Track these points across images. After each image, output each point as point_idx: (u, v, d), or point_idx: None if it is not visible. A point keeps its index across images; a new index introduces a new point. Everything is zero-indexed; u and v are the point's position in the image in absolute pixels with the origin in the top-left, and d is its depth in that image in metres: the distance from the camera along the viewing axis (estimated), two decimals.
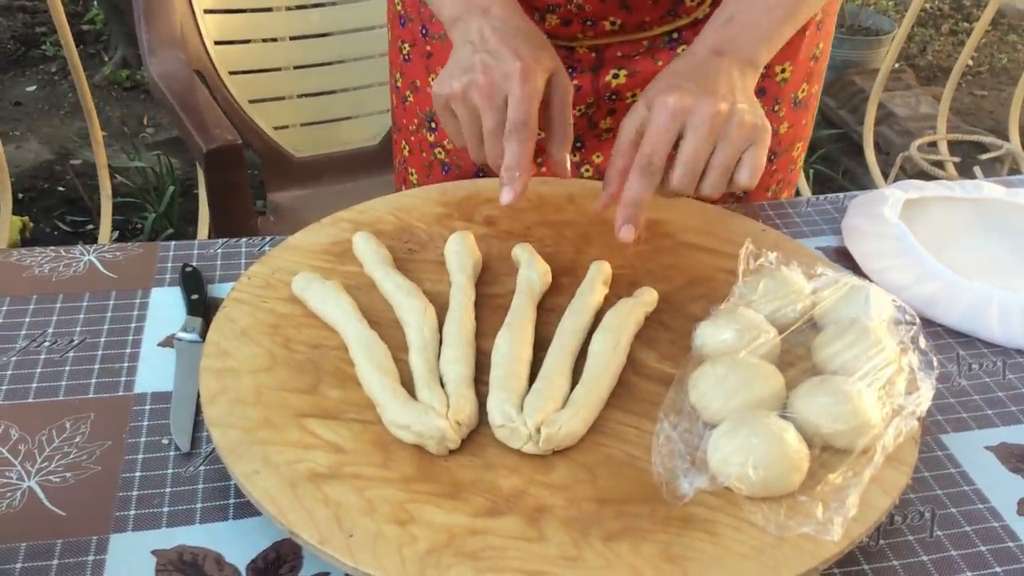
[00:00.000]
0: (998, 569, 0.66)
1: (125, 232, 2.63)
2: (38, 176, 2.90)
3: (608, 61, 1.01)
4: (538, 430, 0.67)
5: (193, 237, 2.24)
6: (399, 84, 1.15)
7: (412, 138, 1.14)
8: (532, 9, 0.98)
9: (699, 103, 0.75)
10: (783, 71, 1.04)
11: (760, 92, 1.06)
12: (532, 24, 0.85)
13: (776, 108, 1.06)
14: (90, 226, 2.66)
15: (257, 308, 0.79)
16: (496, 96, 0.78)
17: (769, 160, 1.09)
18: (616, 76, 1.02)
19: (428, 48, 1.07)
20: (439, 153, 1.11)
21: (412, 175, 1.16)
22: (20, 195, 2.74)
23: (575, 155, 1.07)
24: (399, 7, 1.11)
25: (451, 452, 0.67)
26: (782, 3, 0.84)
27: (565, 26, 0.98)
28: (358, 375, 0.72)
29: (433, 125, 1.10)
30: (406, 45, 1.11)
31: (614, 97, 1.03)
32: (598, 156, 1.07)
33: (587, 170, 1.07)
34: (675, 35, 1.01)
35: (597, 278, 0.83)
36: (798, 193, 2.63)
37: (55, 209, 2.75)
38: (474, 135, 0.82)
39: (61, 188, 2.85)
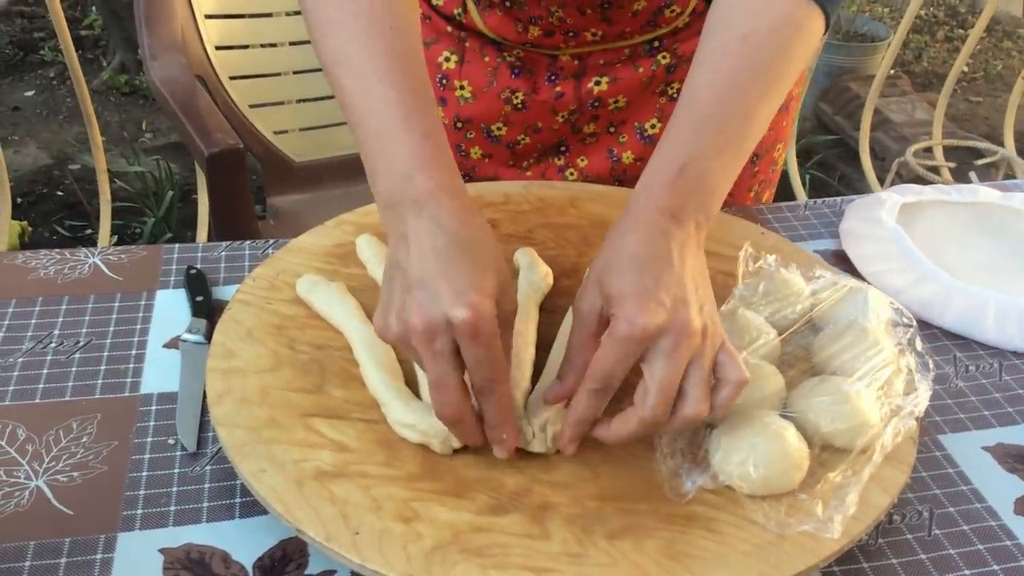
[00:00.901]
0: (996, 567, 0.66)
1: (124, 237, 2.64)
2: (37, 181, 2.91)
3: (591, 68, 1.02)
4: (542, 429, 0.68)
5: (192, 242, 2.24)
6: None
7: None
8: (515, 20, 0.98)
9: (673, 323, 0.62)
10: None
11: None
12: (474, 212, 0.68)
13: None
14: (89, 231, 2.67)
15: (262, 309, 0.80)
16: (436, 342, 0.63)
17: (751, 162, 1.10)
18: (598, 83, 1.03)
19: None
20: None
21: None
22: (19, 200, 2.75)
23: (560, 159, 1.08)
24: None
25: (455, 451, 0.68)
26: (734, 127, 0.71)
27: (547, 36, 0.99)
28: (362, 375, 0.73)
29: None
30: None
31: (596, 104, 1.04)
32: (582, 160, 1.08)
33: (572, 173, 1.08)
34: (655, 43, 1.02)
35: None
36: (793, 198, 2.64)
37: (54, 214, 2.76)
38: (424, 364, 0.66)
39: (60, 193, 2.86)
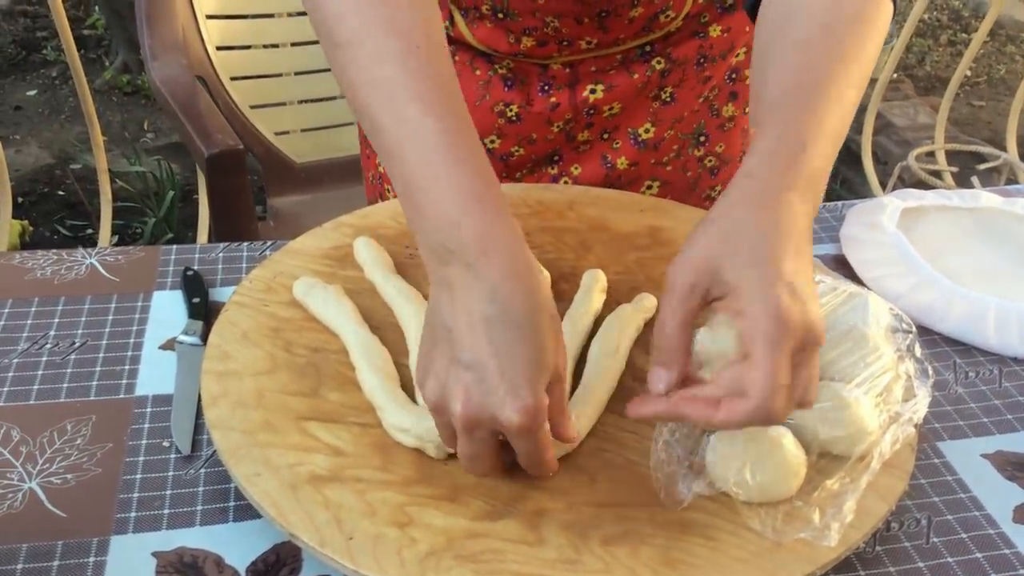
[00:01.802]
0: None
1: (125, 237, 2.64)
2: (38, 180, 2.91)
3: (583, 76, 1.01)
4: None
5: (193, 242, 2.24)
6: None
7: None
8: (506, 32, 0.97)
9: (804, 329, 0.58)
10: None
11: (732, 96, 1.07)
12: (528, 268, 0.61)
13: (748, 110, 1.07)
14: (90, 230, 2.67)
15: (258, 312, 0.79)
16: (478, 431, 0.60)
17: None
18: (593, 91, 1.02)
19: None
20: None
21: (389, 192, 1.14)
22: (20, 199, 2.75)
23: (554, 168, 1.08)
24: None
25: (450, 455, 0.68)
26: (837, 126, 0.67)
27: (541, 47, 0.98)
28: (358, 379, 0.73)
29: None
30: None
31: (592, 112, 1.03)
32: (576, 168, 1.07)
33: (566, 182, 1.07)
34: (648, 48, 1.01)
35: (593, 286, 0.83)
36: None
37: (55, 213, 2.76)
38: (448, 438, 0.64)
39: (61, 192, 2.86)
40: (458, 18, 0.99)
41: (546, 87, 1.02)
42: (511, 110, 1.02)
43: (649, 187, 1.10)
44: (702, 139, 1.10)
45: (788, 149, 0.63)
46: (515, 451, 0.63)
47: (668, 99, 1.05)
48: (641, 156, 1.07)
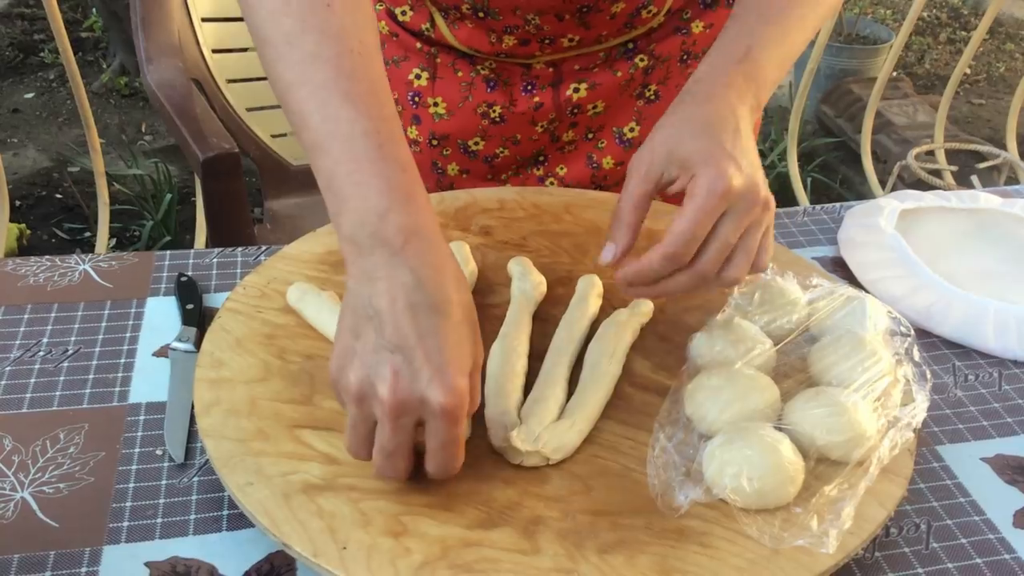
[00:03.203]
0: None
1: (122, 240, 2.63)
2: (36, 183, 2.90)
3: (567, 75, 1.01)
4: (535, 441, 0.67)
5: (190, 245, 2.24)
6: None
7: None
8: (488, 31, 0.97)
9: (747, 188, 0.67)
10: None
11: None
12: (450, 260, 0.64)
13: None
14: (87, 234, 2.66)
15: (252, 318, 0.79)
16: (404, 416, 0.60)
17: None
18: (576, 90, 1.01)
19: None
20: None
21: None
22: (18, 202, 2.74)
23: (539, 169, 1.07)
24: None
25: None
26: (790, 35, 0.78)
27: (523, 45, 0.98)
28: None
29: None
30: None
31: (575, 111, 1.03)
32: (562, 168, 1.07)
33: (551, 182, 1.07)
34: (630, 45, 1.01)
35: (589, 291, 0.83)
36: (795, 201, 2.63)
37: (52, 216, 2.76)
38: (363, 436, 0.62)
39: (59, 195, 2.85)
40: (439, 19, 0.98)
41: (529, 87, 1.01)
42: (494, 111, 1.02)
43: None
44: None
45: (731, 54, 0.75)
46: (426, 446, 0.62)
47: (652, 97, 1.04)
48: (627, 155, 1.06)
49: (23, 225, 2.59)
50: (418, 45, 1.02)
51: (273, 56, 0.68)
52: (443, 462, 0.63)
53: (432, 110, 1.03)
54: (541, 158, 1.06)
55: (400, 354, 0.59)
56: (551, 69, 1.00)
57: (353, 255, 0.63)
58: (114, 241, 2.58)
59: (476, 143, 1.04)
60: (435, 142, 1.05)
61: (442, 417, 0.60)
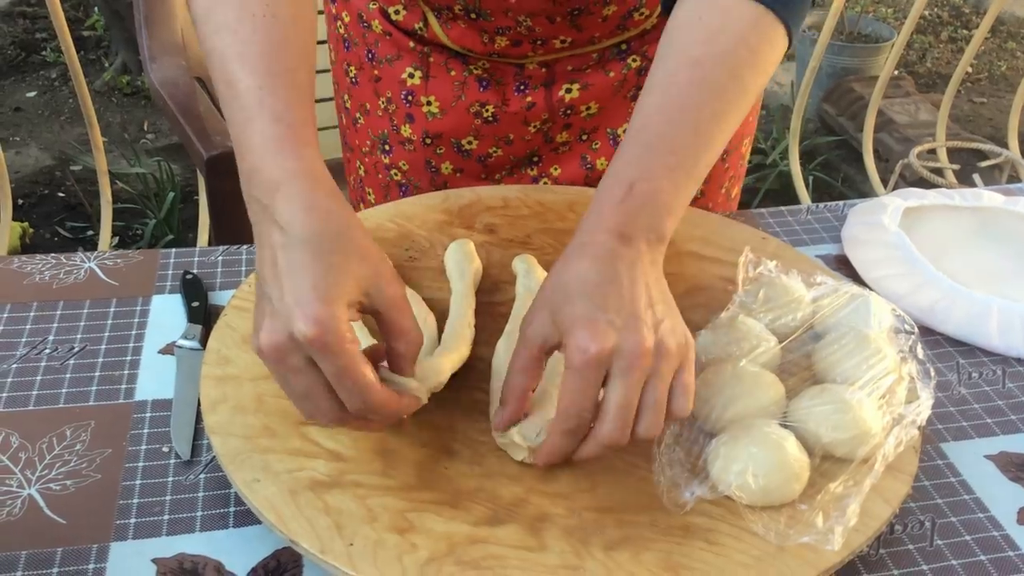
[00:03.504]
0: None
1: (125, 238, 2.64)
2: (38, 182, 2.90)
3: (559, 76, 1.01)
4: (536, 437, 0.67)
5: (193, 243, 2.24)
6: (348, 105, 1.12)
7: (366, 159, 1.12)
8: (480, 32, 0.96)
9: (624, 343, 0.61)
10: None
11: None
12: (330, 198, 0.63)
13: None
14: (90, 232, 2.67)
15: None
16: (289, 360, 0.59)
17: (721, 159, 1.09)
18: (569, 91, 1.01)
19: (376, 72, 1.05)
20: (395, 175, 1.09)
21: (370, 195, 1.14)
22: (20, 201, 2.74)
23: (533, 169, 1.07)
24: (341, 30, 1.08)
25: (452, 460, 0.67)
26: (685, 148, 0.70)
27: (515, 46, 0.97)
28: None
29: (387, 147, 1.08)
30: (352, 68, 1.08)
31: (568, 112, 1.03)
32: (556, 168, 1.07)
33: (545, 181, 1.07)
34: (623, 46, 1.01)
35: None
36: (796, 199, 2.63)
37: (55, 215, 2.76)
38: (290, 394, 0.63)
39: (61, 194, 2.86)
40: (432, 19, 0.98)
41: (522, 87, 1.01)
42: (487, 110, 1.02)
43: None
44: None
45: (611, 195, 0.68)
46: (336, 389, 0.61)
47: None
48: None
49: (26, 223, 2.60)
50: (411, 44, 1.02)
51: (200, 34, 0.70)
52: (347, 398, 0.60)
53: (425, 109, 1.03)
54: (535, 158, 1.06)
55: (268, 301, 0.59)
56: (544, 69, 1.00)
57: (252, 219, 0.64)
58: (116, 239, 2.59)
59: (469, 142, 1.04)
60: (428, 141, 1.05)
61: (316, 349, 0.58)
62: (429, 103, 1.03)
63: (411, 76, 1.02)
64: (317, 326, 0.57)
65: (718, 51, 0.72)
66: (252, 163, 0.63)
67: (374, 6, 1.02)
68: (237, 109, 0.65)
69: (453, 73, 1.01)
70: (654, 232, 0.67)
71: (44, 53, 3.63)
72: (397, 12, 1.00)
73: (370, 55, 1.05)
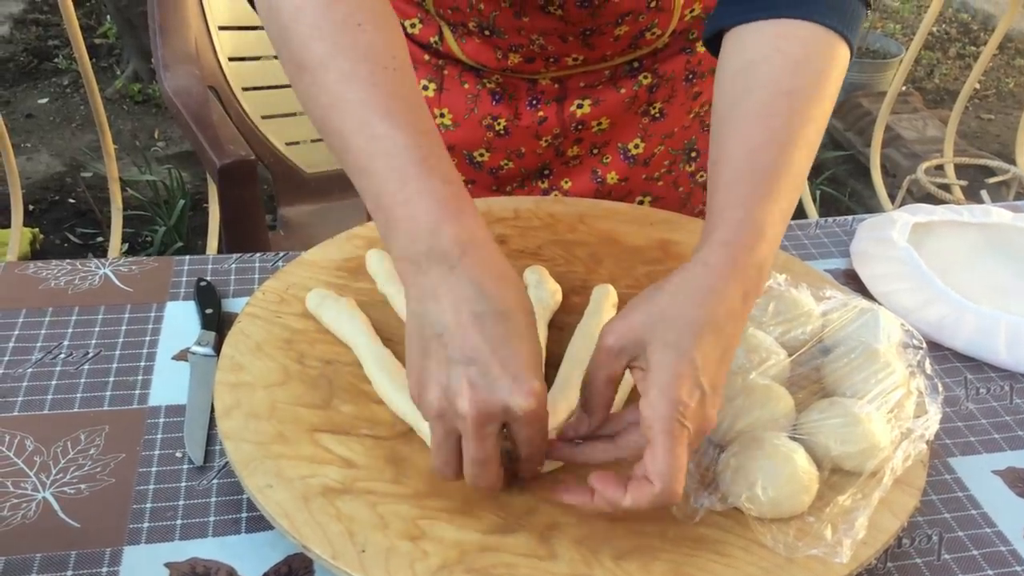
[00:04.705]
0: None
1: (135, 245, 2.65)
2: (49, 188, 2.92)
3: (571, 91, 1.02)
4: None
5: (203, 250, 2.25)
6: None
7: None
8: (494, 48, 0.98)
9: (701, 419, 0.61)
10: None
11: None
12: (506, 267, 0.63)
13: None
14: (100, 238, 2.68)
15: (271, 323, 0.80)
16: (488, 426, 0.60)
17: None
18: (581, 106, 1.02)
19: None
20: None
21: None
22: (31, 207, 2.76)
23: (544, 182, 1.08)
24: None
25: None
26: (791, 192, 0.69)
27: (528, 63, 0.99)
28: (380, 394, 0.73)
29: None
30: None
31: (580, 127, 1.04)
32: (566, 182, 1.08)
33: (556, 194, 1.08)
34: (635, 64, 1.02)
35: (603, 301, 0.84)
36: (803, 213, 2.64)
37: (65, 221, 2.77)
38: (449, 452, 0.63)
39: (72, 200, 2.87)
40: (447, 33, 0.99)
41: (534, 101, 1.02)
42: (499, 123, 1.03)
43: (640, 202, 1.10)
44: (693, 155, 1.11)
45: (742, 241, 0.65)
46: (519, 452, 0.63)
47: (657, 115, 1.05)
48: (631, 171, 1.07)
49: (36, 229, 2.61)
50: (426, 57, 1.03)
51: (308, 82, 0.67)
52: (532, 463, 0.65)
53: (438, 121, 1.04)
54: (546, 171, 1.07)
55: (474, 366, 0.59)
56: (556, 85, 1.01)
57: (410, 274, 0.63)
58: (126, 246, 2.60)
59: (481, 155, 1.05)
60: None
61: (528, 421, 0.60)
62: (442, 115, 1.04)
63: (425, 88, 1.03)
64: (537, 401, 0.60)
65: (806, 83, 0.71)
66: (428, 223, 0.62)
67: None
68: (385, 165, 0.64)
69: (467, 86, 1.02)
70: (763, 282, 0.67)
71: (56, 60, 3.65)
72: (413, 25, 1.01)
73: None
